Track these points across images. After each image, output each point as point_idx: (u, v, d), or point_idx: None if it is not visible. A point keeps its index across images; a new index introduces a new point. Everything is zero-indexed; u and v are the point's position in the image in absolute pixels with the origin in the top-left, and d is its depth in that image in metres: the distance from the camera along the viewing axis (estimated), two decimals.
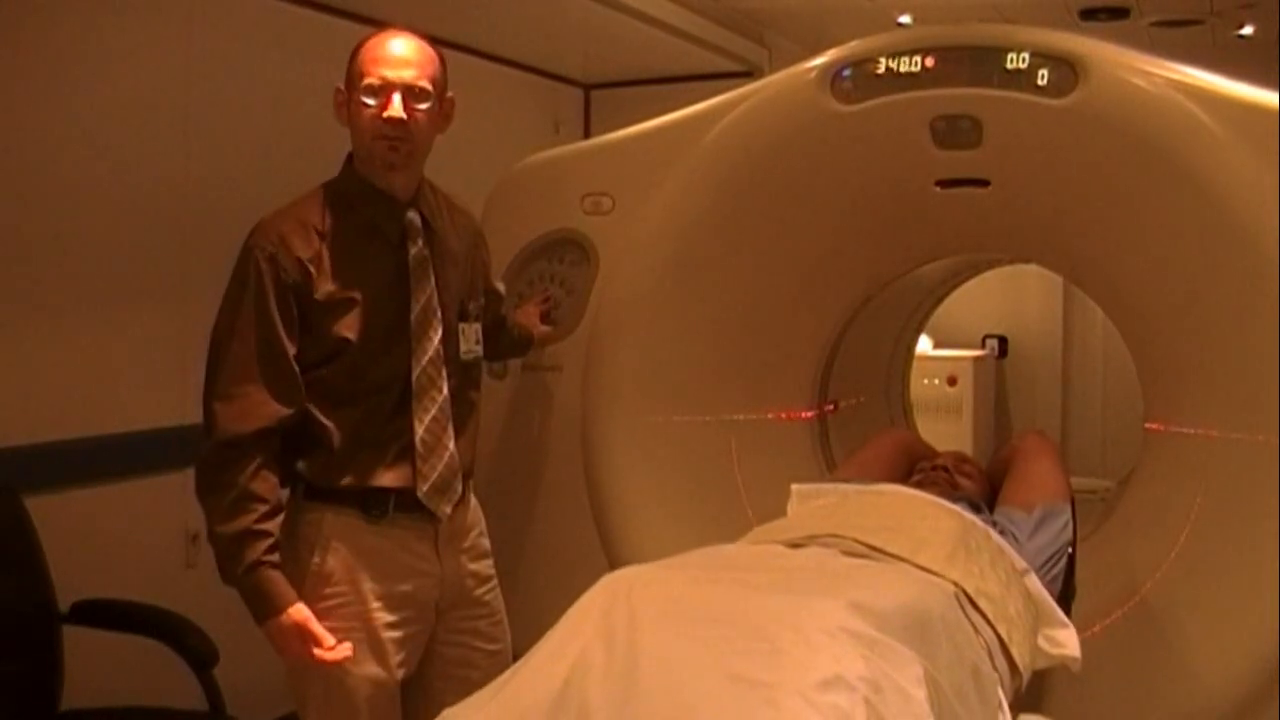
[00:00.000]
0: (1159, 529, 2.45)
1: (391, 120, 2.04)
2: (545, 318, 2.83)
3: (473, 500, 2.25)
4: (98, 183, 2.89)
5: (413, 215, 2.13)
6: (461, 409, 2.17)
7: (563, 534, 2.86)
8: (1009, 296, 5.69)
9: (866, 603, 1.57)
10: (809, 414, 2.95)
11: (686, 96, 2.85)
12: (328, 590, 2.06)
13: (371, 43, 2.08)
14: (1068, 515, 2.35)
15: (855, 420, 3.29)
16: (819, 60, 2.60)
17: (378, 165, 2.08)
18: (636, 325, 2.74)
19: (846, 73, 2.55)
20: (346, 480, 2.06)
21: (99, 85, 2.90)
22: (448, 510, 2.12)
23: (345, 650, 2.00)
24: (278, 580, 1.98)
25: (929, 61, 2.49)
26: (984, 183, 2.53)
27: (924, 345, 4.86)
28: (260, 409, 1.98)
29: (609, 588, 1.67)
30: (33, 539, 2.50)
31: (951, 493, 2.45)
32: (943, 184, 2.57)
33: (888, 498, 2.27)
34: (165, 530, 3.03)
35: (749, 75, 4.43)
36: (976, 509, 2.32)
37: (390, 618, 2.09)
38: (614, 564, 2.42)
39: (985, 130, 2.46)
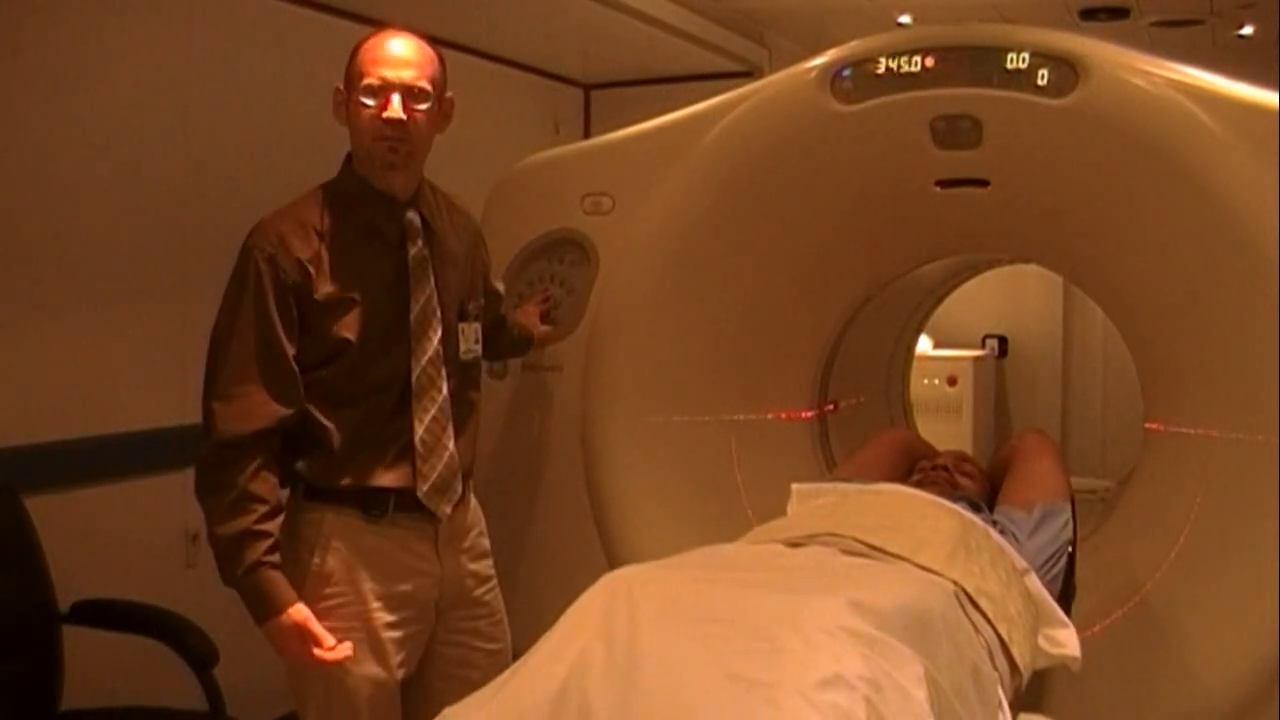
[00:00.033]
0: (1159, 529, 2.45)
1: (391, 121, 2.04)
2: (545, 318, 2.83)
3: (473, 500, 2.25)
4: (98, 183, 2.89)
5: (412, 215, 2.13)
6: (461, 409, 2.17)
7: (563, 534, 2.86)
8: (1009, 296, 5.69)
9: (866, 602, 1.57)
10: (809, 414, 2.95)
11: (686, 96, 2.85)
12: (328, 590, 2.06)
13: (371, 43, 2.08)
14: (1068, 514, 2.35)
15: (855, 420, 3.29)
16: (819, 60, 2.60)
17: (377, 166, 2.08)
18: (636, 325, 2.74)
19: (846, 73, 2.56)
20: (346, 480, 2.06)
21: (99, 85, 2.90)
22: (448, 510, 2.12)
23: (345, 650, 2.00)
24: (278, 581, 1.98)
25: (929, 61, 2.49)
26: (984, 183, 2.53)
27: (924, 345, 4.86)
28: (260, 410, 1.98)
29: (609, 587, 1.67)
30: (33, 539, 2.50)
31: (951, 492, 2.45)
32: (943, 184, 2.57)
33: (887, 497, 2.27)
34: (165, 530, 3.03)
35: (749, 75, 4.43)
36: (976, 508, 2.32)
37: (390, 618, 2.09)
38: (614, 564, 2.41)
39: (985, 130, 2.46)
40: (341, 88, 2.10)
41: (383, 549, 2.09)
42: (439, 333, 2.12)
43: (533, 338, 2.74)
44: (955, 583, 1.85)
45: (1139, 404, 2.62)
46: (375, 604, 2.07)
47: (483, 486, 2.33)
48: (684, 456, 2.77)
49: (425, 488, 2.09)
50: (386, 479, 2.07)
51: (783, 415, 2.90)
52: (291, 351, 2.02)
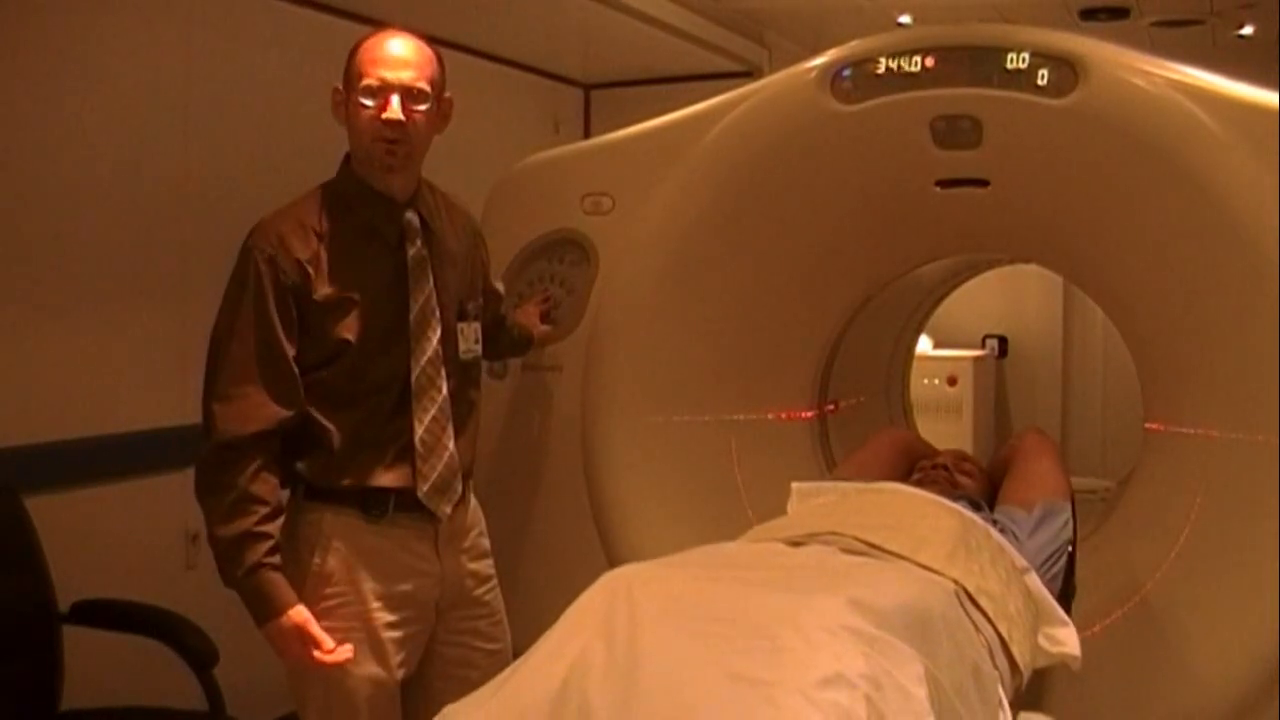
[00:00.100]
0: (1159, 529, 2.45)
1: (390, 122, 2.03)
2: (545, 318, 2.83)
3: (473, 500, 2.25)
4: (98, 183, 2.90)
5: (411, 216, 2.12)
6: (461, 409, 2.17)
7: (563, 534, 2.86)
8: (1009, 296, 5.69)
9: (867, 600, 1.57)
10: (809, 414, 2.95)
11: (686, 96, 2.85)
12: (328, 590, 2.06)
13: (369, 43, 2.07)
14: (1068, 513, 2.35)
15: (855, 420, 3.29)
16: (819, 60, 2.60)
17: (376, 167, 2.08)
18: (636, 325, 2.74)
19: (846, 73, 2.55)
20: (346, 480, 2.06)
21: (99, 85, 2.90)
22: (448, 510, 2.12)
23: (345, 653, 2.00)
24: (278, 582, 1.98)
25: (929, 61, 2.49)
26: (984, 183, 2.53)
27: (924, 345, 4.86)
28: (259, 411, 1.98)
29: (609, 586, 1.67)
30: (33, 539, 2.50)
31: (952, 491, 2.45)
32: (943, 184, 2.57)
33: (888, 496, 2.27)
34: (165, 530, 3.03)
35: (749, 75, 4.43)
36: (976, 507, 2.32)
37: (390, 617, 2.09)
38: (613, 564, 2.41)
39: (985, 130, 2.46)
40: (340, 88, 2.09)
41: (383, 549, 2.09)
42: (438, 333, 2.12)
43: (533, 338, 2.74)
44: (955, 581, 1.85)
45: (1139, 404, 2.62)
46: (375, 604, 2.07)
47: (483, 486, 2.33)
48: (684, 456, 2.77)
49: (425, 488, 2.09)
50: (386, 479, 2.07)
51: (783, 415, 2.90)
52: (291, 352, 2.02)
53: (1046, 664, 2.06)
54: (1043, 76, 2.40)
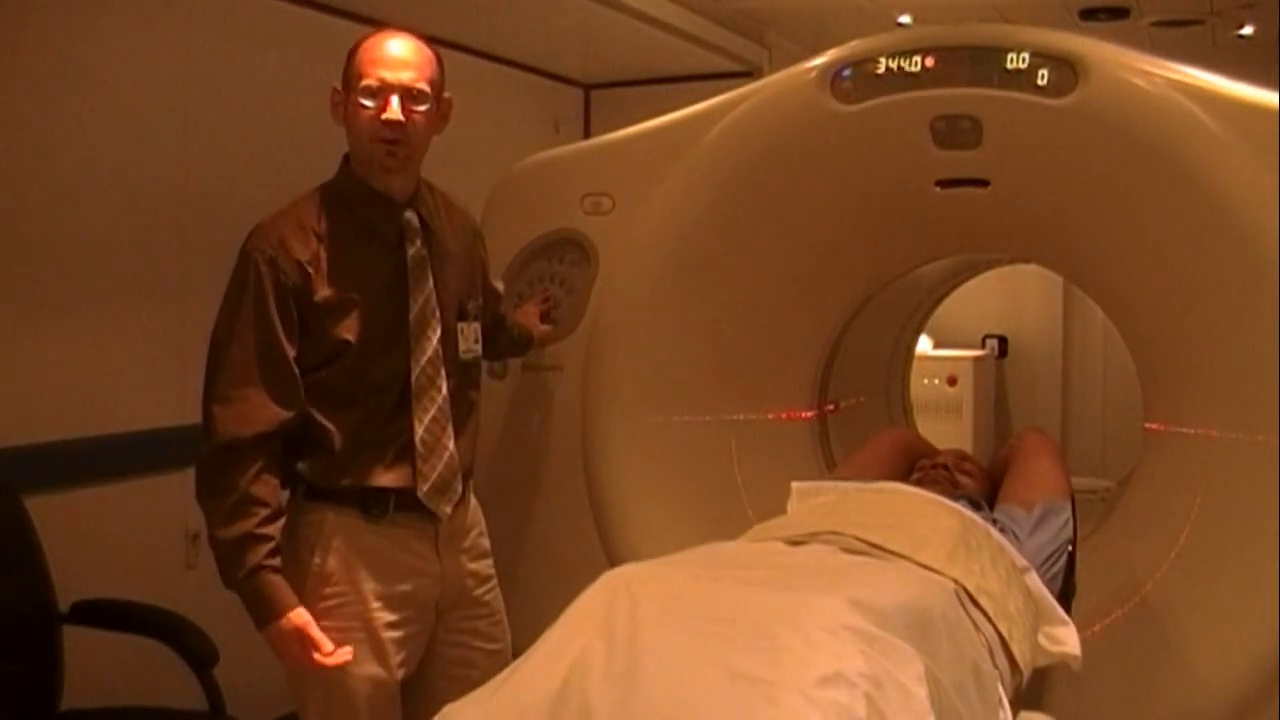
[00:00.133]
0: (1159, 529, 2.46)
1: (389, 123, 2.03)
2: (545, 318, 2.83)
3: (473, 500, 2.25)
4: (98, 183, 2.89)
5: (410, 216, 2.12)
6: (461, 409, 2.17)
7: (563, 534, 2.86)
8: (1009, 296, 5.69)
9: (867, 600, 1.57)
10: (809, 414, 2.95)
11: (686, 96, 2.85)
12: (328, 590, 2.06)
13: (369, 43, 2.07)
14: (1068, 513, 2.35)
15: (855, 420, 3.29)
16: (819, 60, 2.60)
17: (375, 167, 2.08)
18: (636, 325, 2.74)
19: (846, 73, 2.56)
20: (347, 480, 2.06)
21: (99, 85, 2.90)
22: (448, 510, 2.12)
23: (345, 655, 2.00)
24: (278, 585, 1.97)
25: (929, 61, 2.49)
26: (984, 183, 2.53)
27: (924, 345, 4.86)
28: (260, 412, 1.98)
29: (609, 585, 1.67)
30: (33, 539, 2.50)
31: (952, 491, 2.45)
32: (943, 184, 2.57)
33: (888, 495, 2.27)
34: (165, 530, 3.03)
35: (749, 75, 4.43)
36: (977, 507, 2.32)
37: (390, 617, 2.09)
38: (613, 564, 2.41)
39: (985, 130, 2.46)
40: (339, 88, 2.09)
41: (383, 549, 2.09)
42: (438, 333, 2.12)
43: (533, 338, 2.74)
44: (956, 581, 1.85)
45: (1139, 404, 2.63)
46: (375, 604, 2.07)
47: (483, 486, 2.33)
48: (684, 456, 2.77)
49: (425, 488, 2.09)
50: (387, 479, 2.07)
51: (783, 415, 2.90)
52: (292, 354, 2.02)
53: (1046, 663, 2.06)
54: (1043, 76, 2.40)
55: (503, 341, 2.57)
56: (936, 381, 5.39)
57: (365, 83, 2.03)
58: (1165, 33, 4.63)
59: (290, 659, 2.00)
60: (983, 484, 2.64)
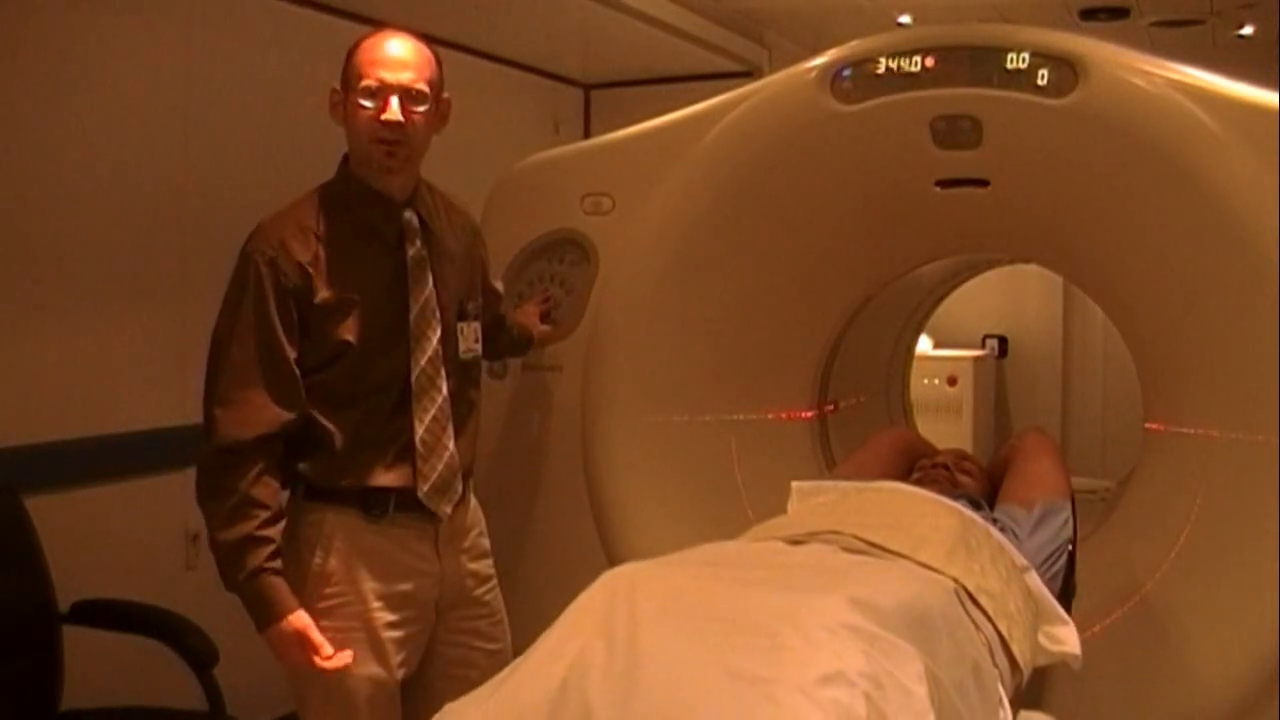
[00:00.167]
0: (1159, 529, 2.45)
1: (389, 123, 2.03)
2: (545, 318, 2.83)
3: (472, 500, 2.25)
4: (98, 183, 2.90)
5: (410, 216, 2.12)
6: (461, 408, 2.17)
7: (562, 534, 2.86)
8: (1009, 296, 5.70)
9: (867, 599, 1.57)
10: (809, 414, 2.95)
11: (686, 96, 2.85)
12: (328, 590, 2.06)
13: (368, 44, 2.07)
14: (1068, 512, 2.35)
15: (855, 420, 3.29)
16: (819, 60, 2.60)
17: (375, 168, 2.08)
18: (636, 325, 2.74)
19: (846, 73, 2.55)
20: (347, 480, 2.06)
21: (99, 85, 2.90)
22: (448, 510, 2.12)
23: (344, 659, 2.00)
24: (279, 587, 1.97)
25: (929, 61, 2.49)
26: (984, 183, 2.53)
27: (924, 345, 4.86)
28: (261, 414, 1.98)
29: (609, 584, 1.67)
30: (33, 539, 2.50)
31: (952, 490, 2.45)
32: (943, 184, 2.57)
33: (888, 495, 2.27)
34: (165, 530, 3.03)
35: (749, 75, 4.43)
36: (977, 506, 2.32)
37: (391, 617, 2.09)
38: (613, 564, 2.41)
39: (985, 130, 2.46)
40: (338, 89, 2.09)
41: (383, 549, 2.09)
42: (438, 333, 2.12)
43: (532, 338, 2.74)
44: (955, 580, 1.85)
45: (1139, 404, 2.62)
46: (375, 604, 2.07)
47: (483, 486, 2.33)
48: (684, 456, 2.77)
49: (426, 488, 2.09)
50: (387, 479, 2.07)
51: (783, 415, 2.90)
52: (293, 355, 2.02)
53: (1047, 662, 2.06)
54: (1043, 76, 2.40)
55: (503, 341, 2.57)
56: (936, 381, 5.39)
57: (364, 83, 2.03)
58: (1165, 33, 4.63)
59: (290, 662, 2.00)
60: (983, 484, 2.64)
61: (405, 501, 2.08)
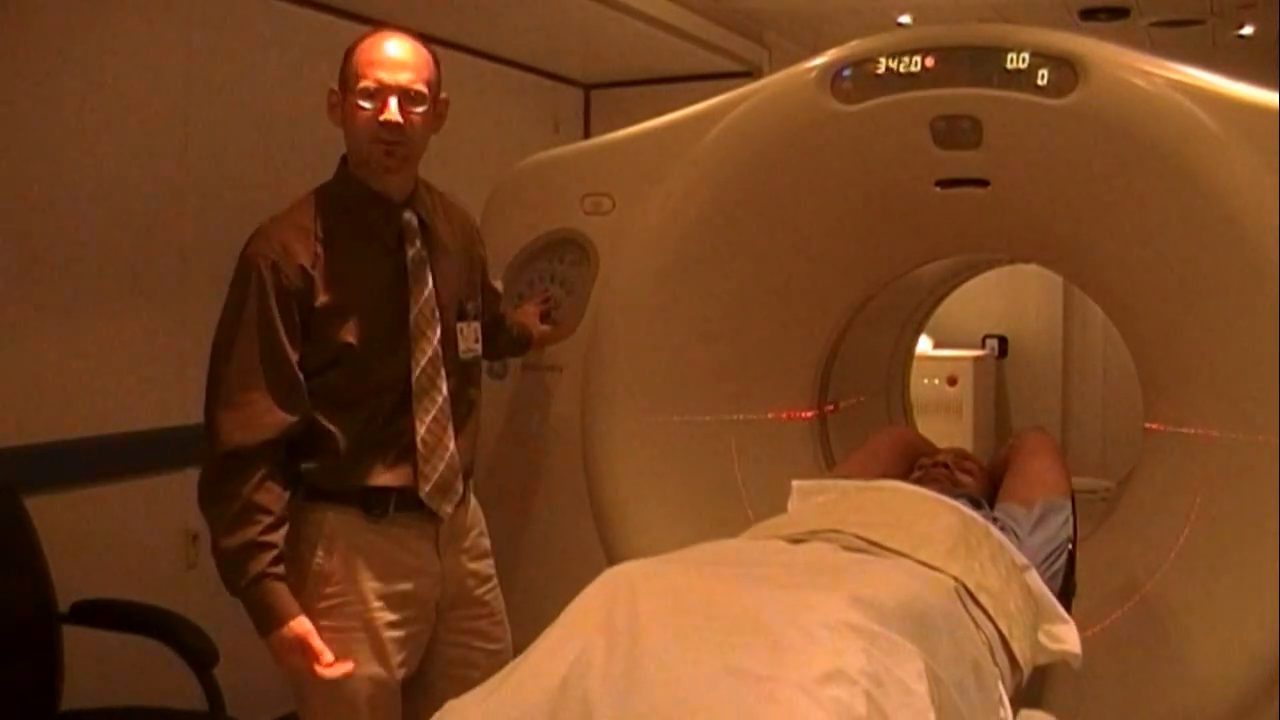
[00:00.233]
0: (1159, 529, 2.46)
1: (388, 124, 2.03)
2: (545, 318, 2.83)
3: (473, 500, 2.25)
4: (98, 183, 2.89)
5: (409, 216, 2.12)
6: (461, 409, 2.17)
7: (562, 534, 2.86)
8: (1009, 296, 5.70)
9: (867, 597, 1.57)
10: (809, 414, 2.95)
11: (686, 96, 2.85)
12: (329, 590, 2.06)
13: (366, 44, 2.07)
14: (1068, 511, 2.35)
15: (855, 420, 3.29)
16: (819, 60, 2.60)
17: (374, 168, 2.07)
18: (636, 325, 2.74)
19: (846, 73, 2.55)
20: (348, 481, 2.06)
21: (99, 85, 2.90)
22: (449, 510, 2.12)
23: (345, 668, 2.00)
24: (281, 593, 1.97)
25: (929, 61, 2.49)
26: (984, 183, 2.53)
27: (924, 345, 4.87)
28: (264, 417, 1.97)
29: (609, 583, 1.67)
30: (33, 539, 2.50)
31: (952, 489, 2.45)
32: (943, 184, 2.57)
33: (888, 493, 2.27)
34: (165, 530, 3.03)
35: (749, 75, 4.43)
36: (977, 505, 2.32)
37: (391, 617, 2.09)
38: (613, 564, 2.41)
39: (985, 130, 2.46)
40: (336, 89, 2.09)
41: (384, 548, 2.08)
42: (438, 333, 2.12)
43: (532, 337, 2.74)
44: (956, 579, 1.85)
45: (1139, 404, 2.62)
46: (376, 603, 2.07)
47: (483, 486, 2.33)
48: (684, 456, 2.77)
49: (428, 488, 2.09)
50: (388, 479, 2.07)
51: (783, 415, 2.90)
52: (295, 358, 2.01)
53: (1047, 661, 2.06)
54: (1043, 76, 2.40)
55: (502, 341, 2.57)
56: (936, 381, 5.39)
57: (363, 84, 2.03)
58: (1165, 33, 4.63)
59: (291, 667, 2.00)
60: (983, 482, 2.65)
61: (406, 501, 2.08)
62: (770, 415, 2.87)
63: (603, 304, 2.79)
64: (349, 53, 2.08)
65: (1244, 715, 2.28)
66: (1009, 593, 1.94)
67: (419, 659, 2.16)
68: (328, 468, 2.05)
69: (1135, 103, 2.36)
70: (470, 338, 2.21)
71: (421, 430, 2.09)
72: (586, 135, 4.75)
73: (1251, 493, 2.30)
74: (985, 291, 5.09)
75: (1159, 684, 2.35)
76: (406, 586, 2.10)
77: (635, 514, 2.72)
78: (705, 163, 2.68)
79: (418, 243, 2.12)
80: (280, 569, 1.97)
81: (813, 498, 2.36)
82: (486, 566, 2.26)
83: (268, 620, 1.97)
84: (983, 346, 5.80)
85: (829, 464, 2.98)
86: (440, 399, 2.11)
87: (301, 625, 1.97)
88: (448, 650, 2.20)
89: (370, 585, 2.07)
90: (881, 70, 2.52)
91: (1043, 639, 2.01)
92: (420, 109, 2.06)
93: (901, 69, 2.51)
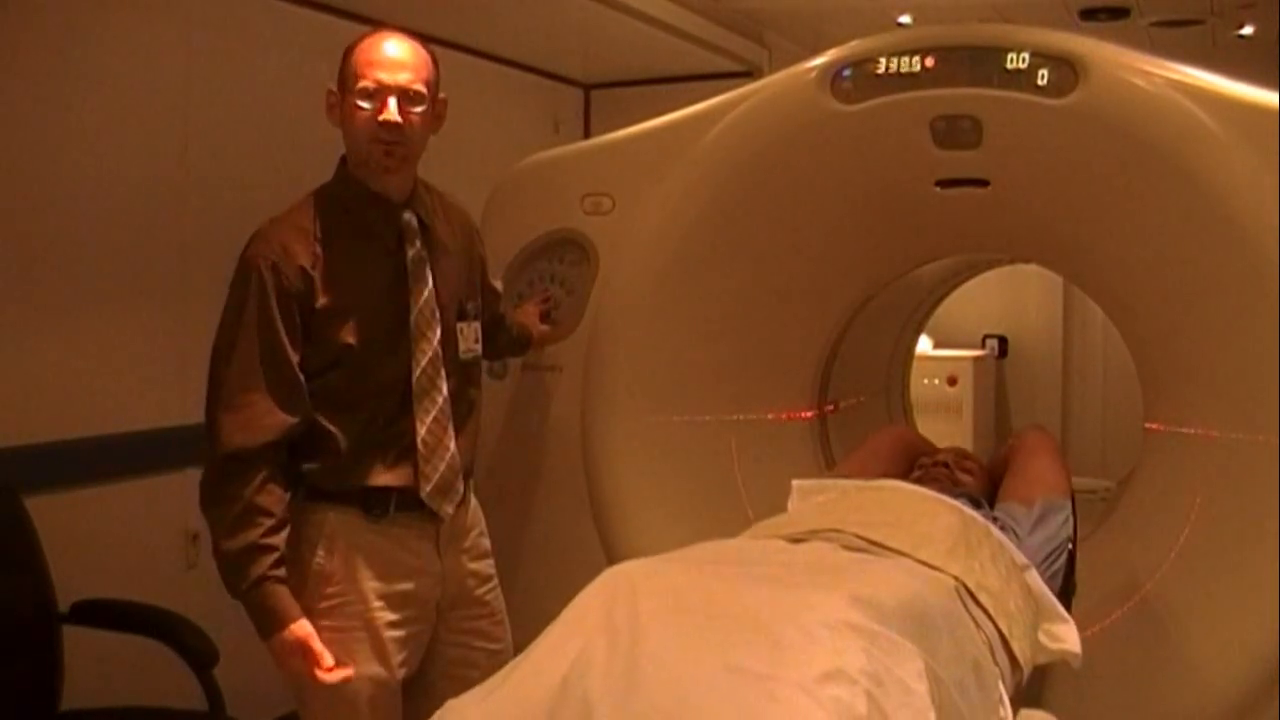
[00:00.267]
0: (1159, 529, 2.46)
1: (387, 124, 2.03)
2: (545, 318, 2.83)
3: (473, 500, 2.25)
4: (98, 183, 2.89)
5: (409, 216, 2.12)
6: (461, 409, 2.17)
7: (562, 534, 2.86)
8: (1009, 296, 5.70)
9: (867, 597, 1.57)
10: (809, 414, 2.95)
11: (686, 96, 2.85)
12: (329, 590, 2.06)
13: (365, 44, 2.07)
14: (1068, 510, 2.35)
15: (855, 420, 3.29)
16: (819, 60, 2.60)
17: (373, 168, 2.07)
18: (636, 325, 2.74)
19: (846, 73, 2.56)
20: (349, 481, 2.06)
21: (99, 85, 2.90)
22: (450, 510, 2.12)
23: (345, 673, 2.00)
24: (283, 595, 1.97)
25: (929, 61, 2.49)
26: (984, 183, 2.53)
27: (924, 345, 4.87)
28: (265, 419, 1.97)
29: (609, 582, 1.67)
30: (33, 539, 2.50)
31: (952, 489, 2.45)
32: (943, 184, 2.57)
33: (888, 493, 2.27)
34: (165, 530, 3.03)
35: (749, 75, 4.43)
36: (977, 504, 2.32)
37: (392, 617, 2.09)
38: (613, 564, 2.41)
39: (985, 130, 2.46)
40: (334, 89, 2.09)
41: (384, 548, 2.08)
42: (438, 333, 2.12)
43: (532, 337, 2.74)
44: (956, 578, 1.85)
45: (1139, 404, 2.62)
46: (377, 603, 2.07)
47: (483, 486, 2.33)
48: (684, 456, 2.77)
49: (428, 488, 2.09)
50: (388, 479, 2.07)
51: (783, 415, 2.90)
52: (296, 359, 2.01)
53: (1047, 661, 2.06)
54: (1043, 76, 2.40)
55: (502, 341, 2.57)
56: (936, 381, 5.39)
57: (362, 84, 2.03)
58: (1165, 33, 4.63)
59: (291, 670, 2.00)
60: (983, 482, 2.64)
61: (406, 501, 2.08)
62: (770, 415, 2.87)
63: (603, 304, 2.79)
64: (348, 53, 2.07)
65: (1244, 715, 2.28)
66: (1009, 592, 1.94)
67: (419, 659, 2.16)
68: (328, 468, 2.05)
69: (1135, 103, 2.36)
70: (470, 338, 2.21)
71: (422, 430, 2.09)
72: (586, 135, 4.75)
73: (1251, 493, 2.30)
74: (985, 291, 5.09)
75: (1159, 684, 2.35)
76: (407, 586, 2.10)
77: (635, 514, 2.72)
78: (705, 163, 2.68)
79: (417, 243, 2.12)
80: (281, 571, 1.97)
81: (813, 497, 2.36)
82: (487, 566, 2.26)
83: (269, 623, 1.97)
84: (983, 346, 5.80)
85: (829, 464, 2.98)
86: (441, 399, 2.11)
87: (303, 628, 1.97)
88: (448, 650, 2.20)
89: (371, 585, 2.07)
90: (881, 70, 2.52)
91: (1043, 638, 2.01)
92: (419, 109, 2.06)
93: (901, 69, 2.51)
